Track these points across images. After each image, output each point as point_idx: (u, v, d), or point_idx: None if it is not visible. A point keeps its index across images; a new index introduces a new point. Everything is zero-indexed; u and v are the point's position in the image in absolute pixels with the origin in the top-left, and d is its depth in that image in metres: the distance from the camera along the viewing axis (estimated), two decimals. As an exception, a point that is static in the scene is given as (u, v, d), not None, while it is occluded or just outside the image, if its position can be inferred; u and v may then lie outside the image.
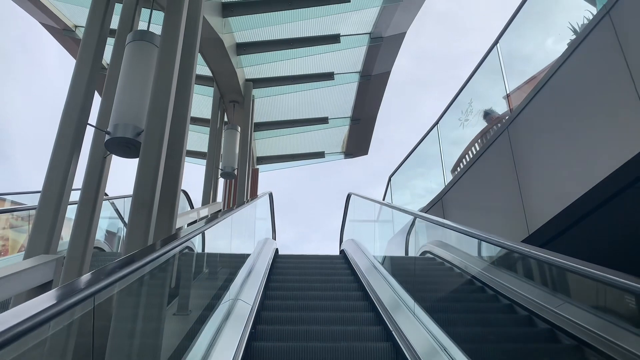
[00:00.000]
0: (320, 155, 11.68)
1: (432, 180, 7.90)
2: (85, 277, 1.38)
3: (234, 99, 9.08)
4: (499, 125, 6.56)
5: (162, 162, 3.29)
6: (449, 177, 7.20)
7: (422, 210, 7.44)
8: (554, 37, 5.23)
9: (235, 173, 8.51)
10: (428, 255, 6.15)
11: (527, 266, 3.91)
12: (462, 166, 7.30)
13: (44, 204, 2.99)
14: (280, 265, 6.87)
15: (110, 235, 7.95)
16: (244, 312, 3.95)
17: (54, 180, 3.11)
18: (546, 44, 5.41)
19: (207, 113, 9.60)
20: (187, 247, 4.10)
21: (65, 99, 3.36)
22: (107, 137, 3.57)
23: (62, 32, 7.57)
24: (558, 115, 4.39)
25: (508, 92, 5.61)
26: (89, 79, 3.54)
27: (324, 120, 10.59)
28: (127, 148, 3.63)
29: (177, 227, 5.82)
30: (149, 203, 3.04)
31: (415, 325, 3.63)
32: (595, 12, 4.30)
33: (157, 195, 3.11)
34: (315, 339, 3.76)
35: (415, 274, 4.87)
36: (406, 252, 6.85)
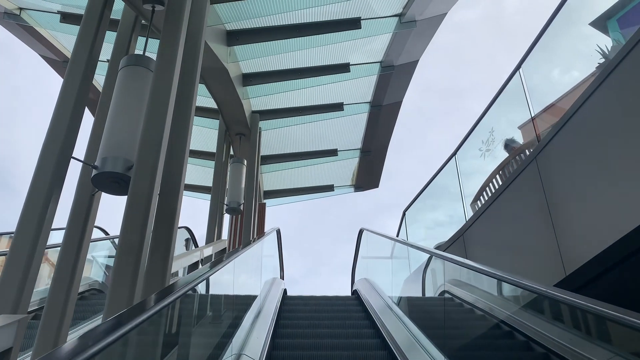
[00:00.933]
0: (329, 188, 11.25)
1: (451, 215, 7.43)
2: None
3: (240, 132, 8.74)
4: (523, 155, 6.12)
5: (155, 200, 2.87)
6: (470, 212, 6.72)
7: (441, 247, 6.94)
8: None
9: (241, 208, 8.09)
10: (448, 296, 5.62)
11: (562, 311, 3.41)
12: (482, 200, 6.84)
13: (15, 249, 2.57)
14: (289, 308, 6.35)
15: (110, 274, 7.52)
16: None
17: (29, 222, 2.69)
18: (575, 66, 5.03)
19: (212, 146, 9.26)
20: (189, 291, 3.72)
21: (47, 131, 2.98)
22: (94, 172, 3.17)
23: (62, 65, 7.32)
24: (598, 144, 3.95)
25: (533, 116, 5.19)
26: (74, 108, 3.16)
27: (333, 153, 10.21)
28: (117, 184, 3.22)
29: (176, 269, 5.36)
30: (138, 248, 2.61)
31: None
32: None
33: (147, 238, 2.68)
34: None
35: (450, 325, 4.34)
36: (423, 292, 6.34)
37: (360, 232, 8.54)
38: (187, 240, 8.41)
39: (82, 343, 1.30)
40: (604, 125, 3.88)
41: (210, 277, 3.98)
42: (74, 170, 3.58)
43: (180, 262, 5.41)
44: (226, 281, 4.72)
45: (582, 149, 4.17)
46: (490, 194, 6.38)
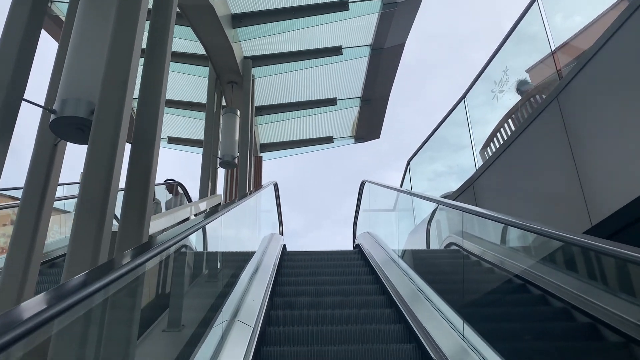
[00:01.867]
0: (328, 140, 10.76)
1: (457, 165, 7.00)
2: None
3: (231, 80, 8.18)
4: (539, 98, 5.61)
5: (120, 149, 2.42)
6: (480, 161, 6.28)
7: (448, 198, 6.53)
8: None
9: (236, 162, 7.64)
10: (455, 248, 5.25)
11: (589, 262, 3.02)
12: (493, 147, 6.38)
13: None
14: (288, 264, 6.02)
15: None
16: (244, 334, 3.11)
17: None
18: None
19: (202, 97, 8.71)
20: (182, 248, 3.37)
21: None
22: (52, 116, 2.69)
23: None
24: (631, 81, 3.45)
25: (553, 50, 4.65)
26: (25, 37, 2.65)
27: (332, 102, 9.66)
28: (80, 131, 2.75)
29: (164, 227, 4.95)
30: (101, 205, 2.17)
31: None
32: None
33: (112, 194, 2.24)
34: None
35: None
36: (427, 245, 6.01)
37: (362, 185, 8.13)
38: (179, 195, 7.99)
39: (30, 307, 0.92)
40: (639, 58, 3.37)
41: (201, 232, 3.59)
42: (33, 116, 3.11)
43: (168, 218, 5.01)
44: (219, 236, 4.34)
45: (613, 87, 3.67)
46: (502, 140, 5.92)
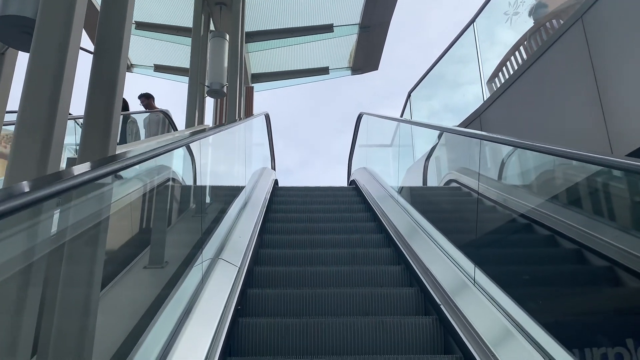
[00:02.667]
0: (324, 71, 10.16)
1: (464, 96, 6.55)
2: None
3: (220, 1, 7.50)
4: (556, 22, 5.10)
5: (72, 59, 1.97)
6: (487, 92, 5.83)
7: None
8: None
9: (225, 91, 7.13)
10: (455, 185, 4.92)
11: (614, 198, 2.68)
12: (502, 77, 5.91)
13: None
14: (280, 200, 5.71)
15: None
16: (229, 274, 2.80)
17: None
18: None
19: (187, 20, 8.02)
20: (166, 181, 2.97)
21: None
22: (-8, 17, 2.22)
23: None
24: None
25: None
26: None
27: (328, 28, 8.99)
28: (28, 36, 2.28)
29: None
30: (45, 123, 1.76)
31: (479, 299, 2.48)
32: None
33: (60, 110, 1.83)
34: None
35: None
36: (424, 182, 5.68)
37: (359, 117, 7.69)
38: (160, 118, 7.36)
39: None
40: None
41: (182, 159, 3.23)
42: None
43: (145, 145, 4.58)
44: (205, 164, 3.98)
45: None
46: (513, 69, 5.45)
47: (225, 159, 4.92)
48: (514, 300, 2.21)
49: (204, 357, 1.89)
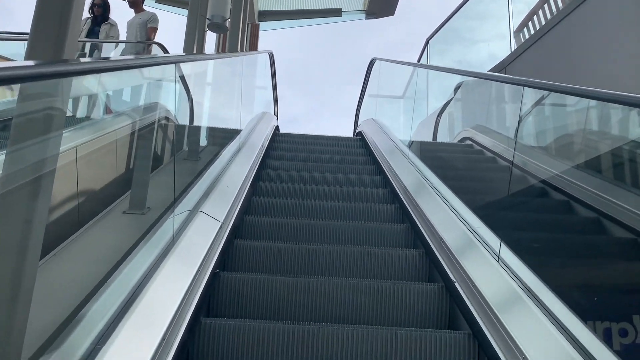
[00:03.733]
0: (336, 12, 9.45)
1: (489, 46, 5.98)
2: None
3: None
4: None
5: None
6: (514, 45, 5.26)
7: (470, 86, 5.62)
8: None
9: (227, 26, 6.55)
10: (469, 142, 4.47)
11: None
12: (532, 27, 5.33)
13: None
14: (280, 146, 5.29)
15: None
16: (208, 233, 2.40)
17: None
18: None
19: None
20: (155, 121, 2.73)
21: None
22: None
23: None
24: None
25: None
26: None
27: (344, -35, 8.27)
28: None
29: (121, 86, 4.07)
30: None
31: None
32: None
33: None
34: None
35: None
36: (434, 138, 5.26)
37: (371, 63, 7.12)
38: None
39: None
40: None
41: (163, 88, 2.80)
42: None
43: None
44: (199, 96, 3.55)
45: None
46: (547, 18, 4.87)
47: (220, 93, 4.48)
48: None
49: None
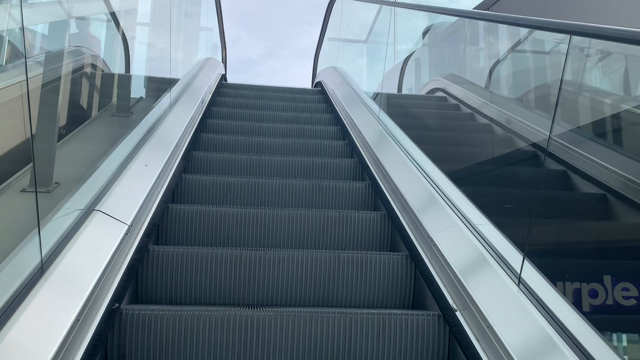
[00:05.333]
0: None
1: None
2: None
3: None
4: None
5: None
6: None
7: (448, 30, 4.87)
8: None
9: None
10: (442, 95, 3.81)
11: None
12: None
13: None
14: (224, 100, 4.45)
15: None
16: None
17: None
18: None
19: None
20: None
21: None
22: None
23: None
24: None
25: None
26: None
27: None
28: None
29: None
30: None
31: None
32: None
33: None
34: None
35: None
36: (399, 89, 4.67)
37: (331, 2, 6.20)
38: None
39: None
40: None
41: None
42: None
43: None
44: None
45: None
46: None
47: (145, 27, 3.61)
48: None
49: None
